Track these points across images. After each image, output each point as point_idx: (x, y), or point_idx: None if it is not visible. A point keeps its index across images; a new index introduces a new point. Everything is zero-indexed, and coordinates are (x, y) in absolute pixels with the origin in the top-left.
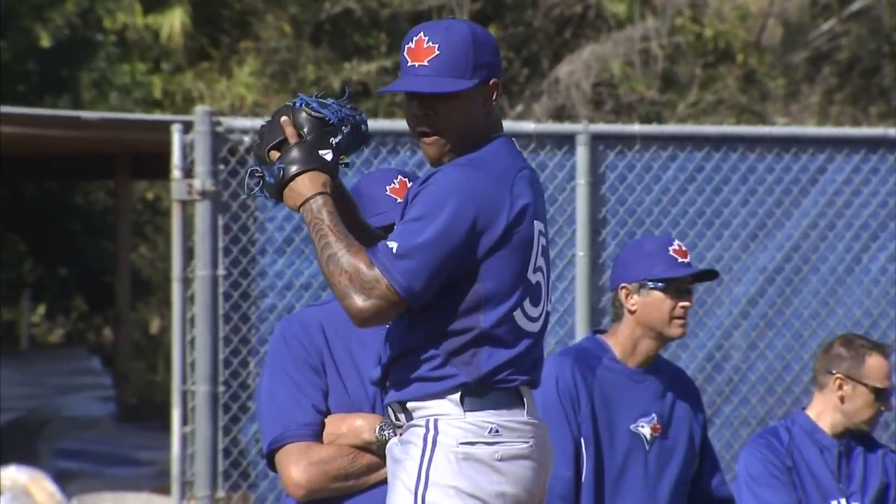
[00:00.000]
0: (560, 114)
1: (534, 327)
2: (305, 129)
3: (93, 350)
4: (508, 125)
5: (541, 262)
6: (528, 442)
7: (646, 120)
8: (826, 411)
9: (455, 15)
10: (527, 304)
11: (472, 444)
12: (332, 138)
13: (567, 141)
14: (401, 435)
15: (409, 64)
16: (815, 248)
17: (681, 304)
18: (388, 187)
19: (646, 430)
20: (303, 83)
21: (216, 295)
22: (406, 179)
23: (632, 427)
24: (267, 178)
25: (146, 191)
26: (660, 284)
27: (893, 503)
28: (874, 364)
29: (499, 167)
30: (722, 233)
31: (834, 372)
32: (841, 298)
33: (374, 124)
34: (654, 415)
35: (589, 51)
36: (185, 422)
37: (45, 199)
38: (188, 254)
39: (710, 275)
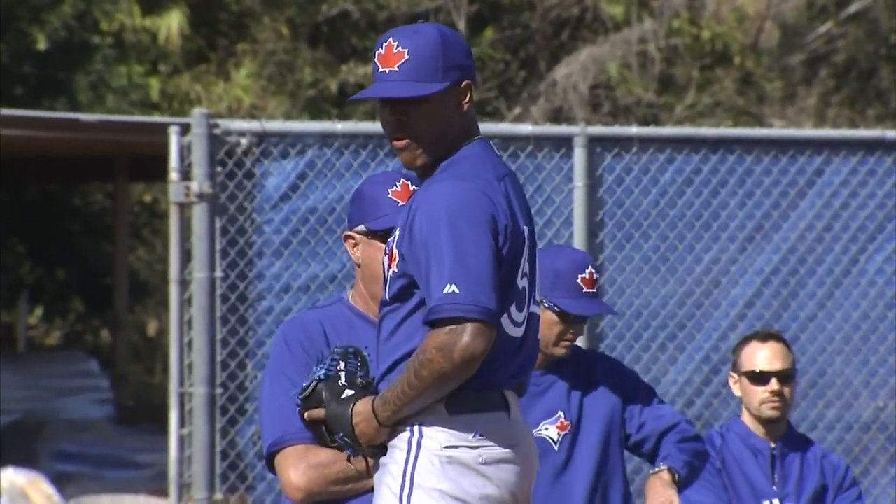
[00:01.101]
0: (557, 116)
1: (517, 332)
2: (324, 399)
3: (90, 352)
4: (505, 127)
5: (527, 267)
6: (512, 446)
7: (643, 122)
8: (745, 414)
9: (452, 16)
10: (513, 309)
11: (456, 447)
12: (339, 381)
13: (564, 143)
14: None
15: (381, 70)
16: (813, 251)
17: (571, 331)
18: (389, 190)
19: (551, 432)
20: (300, 85)
21: (213, 297)
22: (408, 182)
23: (535, 433)
24: (350, 454)
25: (144, 193)
26: (556, 308)
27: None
28: (748, 350)
29: (483, 174)
30: (719, 235)
31: (730, 374)
32: (838, 301)
33: (371, 127)
34: (559, 413)
35: (586, 53)
36: (182, 424)
37: (43, 202)
38: (186, 256)
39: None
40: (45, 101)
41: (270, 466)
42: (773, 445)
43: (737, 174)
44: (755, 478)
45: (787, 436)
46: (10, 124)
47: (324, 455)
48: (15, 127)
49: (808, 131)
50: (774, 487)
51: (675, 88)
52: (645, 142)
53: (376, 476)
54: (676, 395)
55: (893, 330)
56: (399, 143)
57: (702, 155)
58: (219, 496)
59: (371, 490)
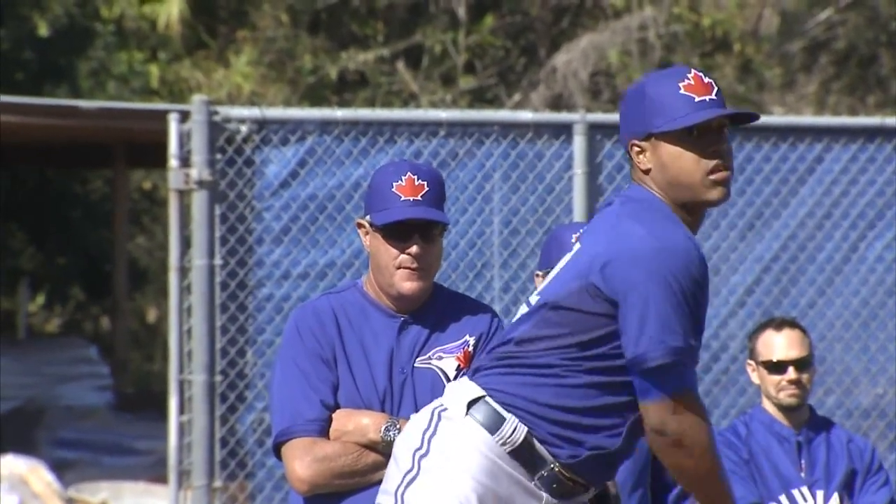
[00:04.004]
0: (557, 103)
1: None
2: None
3: (90, 339)
4: (505, 114)
5: None
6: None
7: None
8: (766, 401)
9: (452, 3)
10: None
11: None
12: None
13: (564, 130)
14: None
15: None
16: (812, 238)
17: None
18: (394, 184)
19: None
20: (300, 72)
21: (213, 284)
22: (414, 177)
23: None
24: None
25: (143, 180)
26: None
27: (861, 490)
28: (764, 339)
29: None
30: (719, 222)
31: (748, 362)
32: (838, 288)
33: (371, 114)
34: None
35: (586, 40)
36: (182, 411)
37: (43, 188)
38: (185, 243)
39: None
40: (46, 88)
41: (278, 455)
42: (797, 432)
43: (736, 161)
44: (783, 466)
45: (810, 421)
46: (10, 111)
47: (329, 448)
48: (15, 113)
49: (808, 118)
50: (802, 475)
51: None
52: None
53: None
54: None
55: (893, 317)
56: None
57: None
58: (218, 483)
59: (376, 484)
